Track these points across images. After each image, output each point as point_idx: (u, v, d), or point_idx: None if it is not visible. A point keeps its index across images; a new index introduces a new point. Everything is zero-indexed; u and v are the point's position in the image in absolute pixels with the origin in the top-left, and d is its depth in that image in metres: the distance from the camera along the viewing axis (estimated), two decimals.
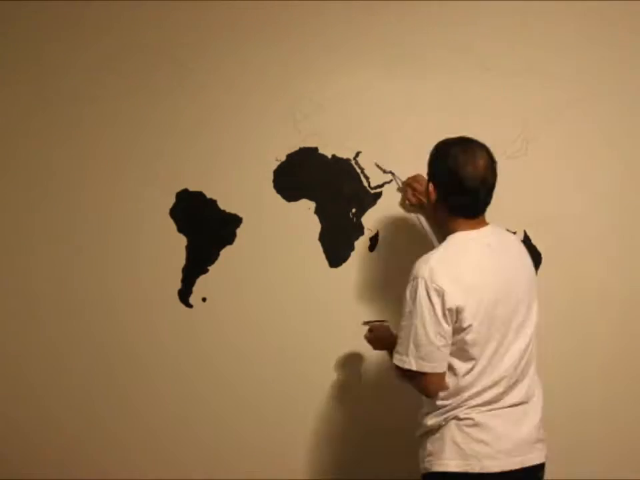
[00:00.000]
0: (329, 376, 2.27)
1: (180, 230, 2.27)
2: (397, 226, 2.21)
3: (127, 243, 2.28)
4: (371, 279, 2.23)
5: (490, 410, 1.62)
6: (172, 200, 2.27)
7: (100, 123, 2.26)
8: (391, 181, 2.20)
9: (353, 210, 2.22)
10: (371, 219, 2.22)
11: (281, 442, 2.31)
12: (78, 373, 2.33)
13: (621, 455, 2.18)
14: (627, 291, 2.17)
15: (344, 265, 2.23)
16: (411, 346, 1.57)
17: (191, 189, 2.26)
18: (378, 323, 1.94)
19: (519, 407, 1.65)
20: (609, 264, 2.16)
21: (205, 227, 2.26)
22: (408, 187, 2.12)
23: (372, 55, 2.17)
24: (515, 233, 2.17)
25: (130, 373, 2.32)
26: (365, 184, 2.21)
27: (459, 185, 1.61)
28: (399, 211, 2.20)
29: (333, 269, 2.23)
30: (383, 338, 1.86)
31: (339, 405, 2.28)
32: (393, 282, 2.22)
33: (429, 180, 1.71)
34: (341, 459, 2.30)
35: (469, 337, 1.57)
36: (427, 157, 2.15)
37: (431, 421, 1.66)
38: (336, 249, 2.23)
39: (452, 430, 1.62)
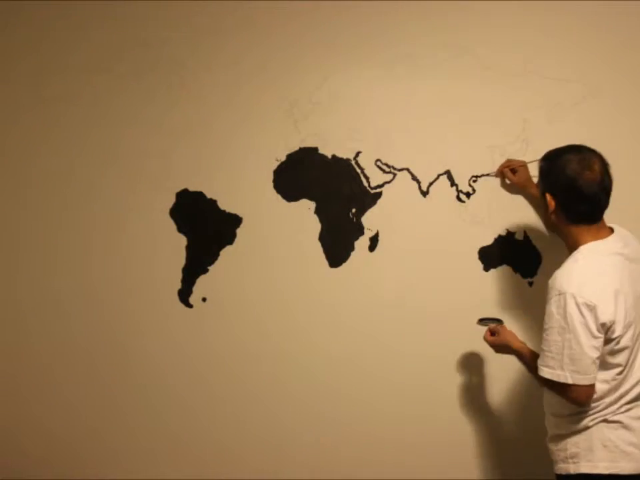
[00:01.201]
0: (329, 375, 2.27)
1: (180, 230, 2.27)
2: (397, 226, 2.21)
3: (126, 243, 2.28)
4: (371, 279, 2.23)
5: (634, 409, 1.65)
6: (172, 200, 2.27)
7: (100, 123, 2.26)
8: (391, 180, 2.20)
9: (353, 210, 2.22)
10: (371, 219, 2.22)
11: (281, 441, 2.31)
12: (77, 373, 2.33)
13: None
14: None
15: (344, 265, 2.23)
16: (566, 360, 1.58)
17: (191, 189, 2.26)
18: (495, 323, 1.92)
19: None
20: None
21: (205, 227, 2.26)
22: (504, 167, 2.11)
23: (372, 55, 2.17)
24: (513, 232, 2.18)
25: (130, 372, 2.32)
26: (365, 184, 2.21)
27: (578, 193, 1.63)
28: (399, 211, 2.20)
29: (333, 269, 2.23)
30: (511, 343, 1.83)
31: (339, 404, 2.28)
32: (393, 282, 2.23)
33: (544, 191, 1.71)
34: (344, 458, 2.30)
35: (617, 347, 1.60)
36: (426, 157, 2.18)
37: (575, 423, 1.67)
38: (336, 249, 2.23)
39: (602, 432, 1.64)
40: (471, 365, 2.23)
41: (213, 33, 2.21)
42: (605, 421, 1.64)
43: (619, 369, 1.62)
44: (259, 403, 2.30)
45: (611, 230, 1.71)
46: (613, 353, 1.61)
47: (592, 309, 1.55)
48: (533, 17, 2.12)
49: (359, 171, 2.20)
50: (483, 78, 2.14)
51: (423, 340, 2.23)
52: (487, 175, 2.16)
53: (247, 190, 2.24)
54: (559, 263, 2.10)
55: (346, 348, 2.25)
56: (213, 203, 2.25)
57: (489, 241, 2.19)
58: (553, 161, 1.70)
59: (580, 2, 2.11)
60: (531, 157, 2.14)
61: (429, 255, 2.20)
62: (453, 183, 2.18)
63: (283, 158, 2.22)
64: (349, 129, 2.19)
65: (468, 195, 2.19)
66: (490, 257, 2.19)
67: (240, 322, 2.28)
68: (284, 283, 2.25)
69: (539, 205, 2.09)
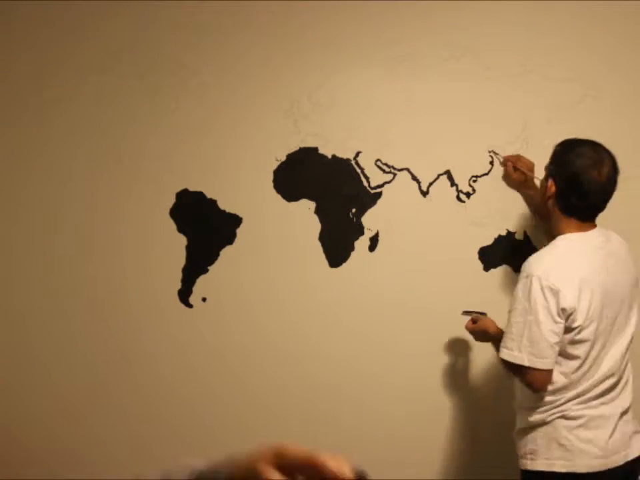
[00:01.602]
0: (329, 375, 2.27)
1: (180, 230, 2.27)
2: (397, 226, 2.21)
3: (126, 243, 2.28)
4: (370, 279, 2.23)
5: (595, 407, 1.65)
6: (172, 200, 2.27)
7: (100, 122, 2.26)
8: (391, 180, 2.20)
9: (353, 210, 2.22)
10: (371, 219, 2.22)
11: (281, 440, 2.31)
12: (77, 373, 2.33)
13: None
14: None
15: (344, 264, 2.23)
16: (524, 341, 1.60)
17: (191, 189, 2.26)
18: (478, 314, 1.94)
19: (619, 403, 1.69)
20: None
21: (205, 227, 2.26)
22: (509, 161, 2.11)
23: (372, 55, 2.17)
24: (513, 232, 2.18)
25: (130, 372, 2.32)
26: (365, 184, 2.21)
27: (579, 188, 1.64)
28: (399, 211, 2.20)
29: (333, 269, 2.23)
30: (489, 329, 1.85)
31: (339, 404, 2.28)
32: (393, 282, 2.23)
33: (548, 175, 1.72)
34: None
35: (577, 337, 1.61)
36: (426, 157, 2.18)
37: (533, 417, 1.68)
38: (336, 249, 2.23)
39: (559, 429, 1.65)
40: (471, 365, 2.23)
41: (213, 33, 2.21)
42: (564, 417, 1.64)
43: (577, 362, 1.62)
44: (259, 402, 2.30)
45: (595, 226, 1.72)
46: (573, 342, 1.61)
47: (555, 293, 1.56)
48: (533, 17, 2.12)
49: (358, 171, 2.20)
50: (483, 78, 2.14)
51: (422, 340, 2.23)
52: (497, 155, 2.14)
53: (247, 190, 2.24)
54: None
55: (346, 348, 2.25)
56: (213, 203, 2.25)
57: (489, 241, 2.19)
58: (568, 149, 1.70)
59: (580, 2, 2.11)
60: (531, 156, 2.15)
61: (429, 255, 2.20)
62: (453, 183, 2.18)
63: (283, 158, 2.22)
64: (349, 129, 2.19)
65: (468, 195, 2.19)
66: (490, 256, 2.19)
67: (240, 322, 2.28)
68: (284, 283, 2.25)
69: (531, 197, 2.08)
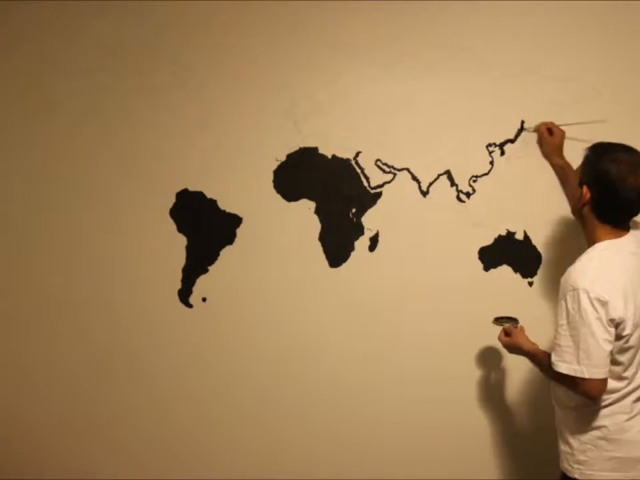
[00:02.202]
0: (329, 376, 2.27)
1: (180, 230, 2.27)
2: (396, 226, 2.21)
3: (127, 243, 2.28)
4: (371, 279, 2.23)
5: (635, 407, 1.66)
6: (172, 200, 2.27)
7: (100, 122, 2.26)
8: (391, 180, 2.20)
9: (353, 210, 2.22)
10: (371, 219, 2.22)
11: (280, 442, 2.31)
12: (77, 372, 2.33)
13: None
14: None
15: (344, 264, 2.23)
16: (581, 354, 1.59)
17: (191, 189, 2.26)
18: (510, 322, 1.92)
19: None
20: None
21: (205, 227, 2.26)
22: (543, 124, 2.09)
23: (372, 54, 2.17)
24: (513, 232, 2.18)
25: (130, 372, 2.32)
26: (365, 184, 2.21)
27: (615, 195, 1.61)
28: (399, 211, 2.20)
29: (333, 269, 2.23)
30: (523, 345, 1.83)
31: (339, 403, 2.28)
32: (393, 282, 2.23)
33: (582, 182, 1.68)
34: (337, 460, 2.30)
35: (626, 345, 1.61)
36: (426, 157, 2.18)
37: (583, 414, 1.68)
38: (336, 249, 2.23)
39: (605, 433, 1.66)
40: (471, 364, 2.23)
41: (213, 32, 2.21)
42: (607, 425, 1.65)
43: (621, 367, 1.64)
44: (259, 402, 2.30)
45: (629, 228, 1.70)
46: (621, 351, 1.62)
47: (604, 304, 1.56)
48: (533, 16, 2.12)
49: (358, 170, 2.20)
50: (483, 78, 2.14)
51: (422, 340, 2.23)
52: (526, 129, 2.13)
53: (247, 190, 2.24)
54: (559, 263, 2.11)
55: (346, 348, 2.25)
56: (213, 203, 2.25)
57: (489, 240, 2.19)
58: (601, 153, 1.66)
59: (580, 2, 2.11)
60: (531, 156, 2.15)
61: (429, 255, 2.20)
62: (453, 183, 2.18)
63: (283, 158, 2.22)
64: (349, 129, 2.19)
65: (468, 195, 2.19)
66: (490, 256, 2.19)
67: (240, 322, 2.28)
68: (284, 282, 2.25)
69: (564, 182, 2.06)
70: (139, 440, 2.35)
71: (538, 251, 2.17)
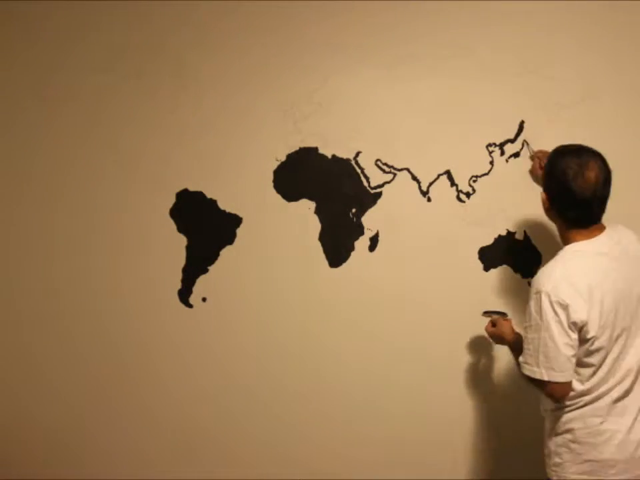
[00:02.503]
0: (329, 376, 2.27)
1: (180, 230, 2.27)
2: (397, 226, 2.21)
3: (127, 243, 2.28)
4: (371, 279, 2.23)
5: (610, 411, 1.64)
6: (172, 200, 2.27)
7: (100, 122, 2.26)
8: (391, 180, 2.20)
9: (353, 210, 2.22)
10: (371, 219, 2.22)
11: (281, 441, 2.31)
12: (77, 373, 2.33)
13: None
14: None
15: (344, 264, 2.23)
16: (541, 357, 1.61)
17: (191, 189, 2.26)
18: (498, 315, 1.95)
19: (634, 408, 1.67)
20: None
21: (205, 227, 2.26)
22: (537, 157, 2.10)
23: (372, 55, 2.17)
24: (513, 232, 2.18)
25: (130, 372, 2.32)
26: (365, 184, 2.21)
27: (569, 198, 1.63)
28: (399, 211, 2.20)
29: (333, 269, 2.23)
30: (505, 335, 1.87)
31: (339, 403, 2.28)
32: (393, 282, 2.23)
33: (543, 189, 1.72)
34: (345, 458, 2.30)
35: (592, 347, 1.61)
36: (426, 157, 2.18)
37: (555, 417, 1.69)
38: (336, 249, 2.23)
39: (579, 440, 1.65)
40: (471, 364, 2.23)
41: (213, 33, 2.21)
42: (585, 427, 1.64)
43: (592, 369, 1.63)
44: (258, 402, 2.30)
45: (604, 228, 1.70)
46: (589, 353, 1.61)
47: (565, 307, 1.57)
48: (533, 17, 2.12)
49: (358, 170, 2.20)
50: (483, 78, 2.14)
51: (423, 340, 2.23)
52: (529, 145, 2.14)
53: (247, 190, 2.24)
54: None
55: (346, 347, 2.25)
56: (213, 203, 2.25)
57: (489, 240, 2.19)
58: (552, 161, 1.69)
59: (580, 2, 2.11)
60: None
61: (429, 255, 2.20)
62: (453, 183, 2.18)
63: (283, 158, 2.22)
64: (349, 129, 2.19)
65: (468, 195, 2.19)
66: (490, 256, 2.19)
67: (240, 322, 2.28)
68: (284, 282, 2.25)
69: None
70: (138, 440, 2.35)
71: (538, 251, 2.18)
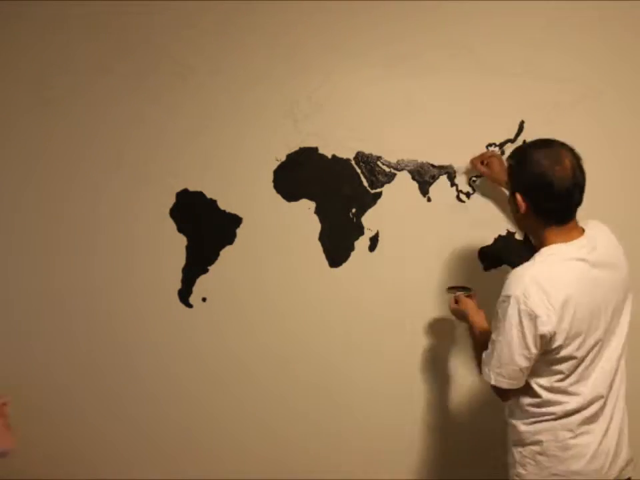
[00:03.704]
0: (329, 376, 2.27)
1: (180, 230, 2.27)
2: (396, 226, 2.21)
3: (127, 243, 2.28)
4: (371, 279, 2.23)
5: (581, 426, 1.59)
6: (172, 200, 2.27)
7: (101, 123, 2.26)
8: (391, 180, 2.20)
9: (353, 210, 2.22)
10: (371, 219, 2.22)
11: (280, 442, 2.31)
12: (78, 373, 2.33)
13: None
14: None
15: (344, 264, 2.23)
16: (494, 361, 1.58)
17: (191, 189, 2.26)
18: (463, 291, 1.94)
19: (606, 420, 1.62)
20: None
21: (205, 227, 2.26)
22: (472, 162, 2.10)
23: (372, 54, 2.17)
24: (513, 232, 2.18)
25: (130, 372, 2.32)
26: (365, 184, 2.21)
27: (548, 189, 1.53)
28: (399, 211, 2.20)
29: (333, 269, 2.24)
30: (467, 313, 1.85)
31: (339, 403, 2.28)
32: (393, 282, 2.23)
33: (513, 191, 1.61)
34: (336, 460, 2.30)
35: (557, 356, 1.55)
36: (427, 157, 2.18)
37: (523, 427, 1.64)
38: (336, 249, 2.23)
39: (544, 448, 1.61)
40: (471, 365, 2.23)
41: (213, 34, 2.21)
42: (554, 440, 1.59)
43: (562, 377, 1.57)
44: (259, 402, 2.30)
45: (583, 231, 1.62)
46: (557, 361, 1.55)
47: (533, 318, 1.50)
48: (533, 17, 2.12)
49: (358, 171, 2.21)
50: (483, 78, 2.14)
51: (422, 339, 2.23)
52: (454, 171, 2.16)
53: (247, 190, 2.24)
54: None
55: (346, 347, 2.26)
56: (212, 203, 2.25)
57: (488, 240, 2.19)
58: (521, 158, 1.60)
59: (580, 2, 2.11)
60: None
61: (429, 255, 2.20)
62: (453, 183, 2.19)
63: (283, 158, 2.22)
64: (349, 129, 2.19)
65: (468, 195, 2.19)
66: (490, 257, 2.19)
67: (240, 322, 2.28)
68: (284, 283, 2.25)
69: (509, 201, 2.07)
70: (139, 440, 2.35)
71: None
